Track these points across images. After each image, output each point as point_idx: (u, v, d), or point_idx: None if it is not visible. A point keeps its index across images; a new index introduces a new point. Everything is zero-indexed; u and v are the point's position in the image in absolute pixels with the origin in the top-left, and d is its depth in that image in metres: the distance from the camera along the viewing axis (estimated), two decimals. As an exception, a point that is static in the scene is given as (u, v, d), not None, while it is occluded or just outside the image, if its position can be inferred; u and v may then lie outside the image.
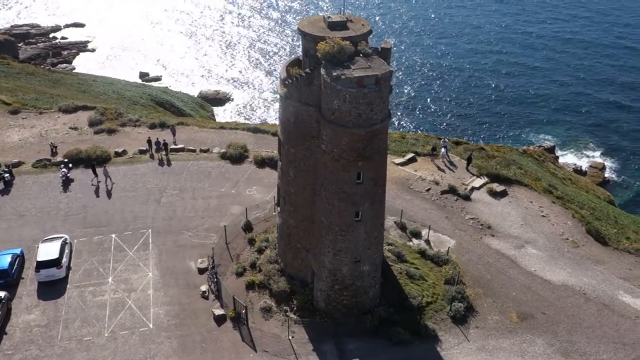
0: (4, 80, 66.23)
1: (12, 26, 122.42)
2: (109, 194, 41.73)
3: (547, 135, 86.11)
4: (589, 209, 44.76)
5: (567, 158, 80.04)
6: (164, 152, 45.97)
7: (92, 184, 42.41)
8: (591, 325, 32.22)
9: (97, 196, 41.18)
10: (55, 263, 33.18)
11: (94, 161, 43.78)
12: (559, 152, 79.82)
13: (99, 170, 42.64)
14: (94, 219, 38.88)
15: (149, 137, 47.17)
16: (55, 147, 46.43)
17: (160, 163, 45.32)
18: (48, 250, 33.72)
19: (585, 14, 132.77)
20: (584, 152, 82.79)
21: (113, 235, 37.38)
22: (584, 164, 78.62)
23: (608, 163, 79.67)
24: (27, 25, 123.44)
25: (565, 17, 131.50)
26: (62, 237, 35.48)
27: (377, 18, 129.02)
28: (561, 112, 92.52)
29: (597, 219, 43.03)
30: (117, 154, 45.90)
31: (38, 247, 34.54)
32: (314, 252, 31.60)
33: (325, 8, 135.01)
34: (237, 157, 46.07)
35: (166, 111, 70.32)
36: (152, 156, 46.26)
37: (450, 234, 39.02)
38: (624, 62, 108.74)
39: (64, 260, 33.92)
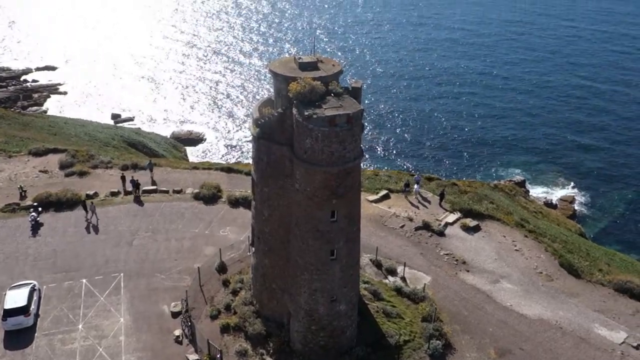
0: (-28, 124, 65.22)
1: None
2: (96, 229, 41.59)
3: (517, 169, 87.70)
4: (561, 242, 45.33)
5: (538, 192, 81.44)
6: (136, 192, 45.50)
7: (86, 220, 42.33)
8: (569, 359, 32.24)
9: (68, 240, 40.32)
10: (23, 311, 32.13)
11: (84, 199, 43.87)
12: (529, 186, 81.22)
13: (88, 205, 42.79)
14: (64, 263, 37.96)
15: (123, 174, 46.90)
16: (25, 190, 45.56)
17: (133, 204, 44.72)
18: (15, 298, 32.69)
19: (551, 57, 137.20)
20: (554, 185, 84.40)
21: (84, 280, 36.48)
22: (554, 197, 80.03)
23: (578, 196, 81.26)
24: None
25: (533, 58, 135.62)
26: (30, 284, 34.48)
27: (347, 58, 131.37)
28: (531, 148, 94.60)
29: (570, 251, 43.55)
30: (88, 197, 45.17)
31: (5, 294, 33.47)
32: (289, 293, 31.24)
33: (295, 49, 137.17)
34: (210, 197, 45.78)
35: (139, 152, 69.83)
36: (126, 193, 45.77)
37: (425, 270, 39.03)
38: (589, 103, 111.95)
39: (32, 307, 32.89)
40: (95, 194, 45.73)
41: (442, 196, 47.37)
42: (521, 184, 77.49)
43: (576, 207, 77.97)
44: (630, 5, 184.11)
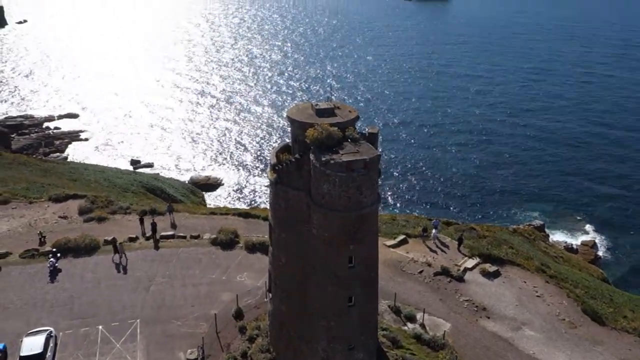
0: (-5, 171, 66.52)
1: (6, 117, 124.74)
2: (125, 269, 42.09)
3: (536, 213, 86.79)
4: (584, 287, 44.35)
5: (558, 236, 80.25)
6: (154, 235, 45.84)
7: (113, 261, 42.87)
8: (595, 410, 31.12)
9: (85, 286, 40.36)
10: (39, 358, 31.95)
11: (114, 240, 44.52)
12: (548, 231, 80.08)
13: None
14: (81, 309, 37.88)
15: (142, 217, 47.32)
16: (44, 236, 45.96)
17: (151, 250, 44.83)
18: (32, 345, 32.57)
19: (567, 103, 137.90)
20: (574, 229, 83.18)
21: (100, 327, 36.29)
22: (574, 241, 78.75)
23: (599, 240, 79.88)
24: (21, 116, 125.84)
25: (549, 105, 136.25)
26: (47, 330, 34.39)
27: (362, 105, 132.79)
28: (549, 193, 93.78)
29: (593, 297, 42.55)
30: (107, 242, 45.41)
31: (22, 341, 33.37)
32: (307, 340, 30.75)
33: (308, 96, 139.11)
34: (227, 242, 45.74)
35: (157, 198, 70.40)
36: (145, 236, 46.04)
37: (445, 317, 38.28)
38: (607, 149, 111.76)
39: (48, 354, 32.69)
40: (114, 240, 45.97)
41: (460, 241, 46.86)
42: (540, 228, 76.46)
43: (598, 252, 76.56)
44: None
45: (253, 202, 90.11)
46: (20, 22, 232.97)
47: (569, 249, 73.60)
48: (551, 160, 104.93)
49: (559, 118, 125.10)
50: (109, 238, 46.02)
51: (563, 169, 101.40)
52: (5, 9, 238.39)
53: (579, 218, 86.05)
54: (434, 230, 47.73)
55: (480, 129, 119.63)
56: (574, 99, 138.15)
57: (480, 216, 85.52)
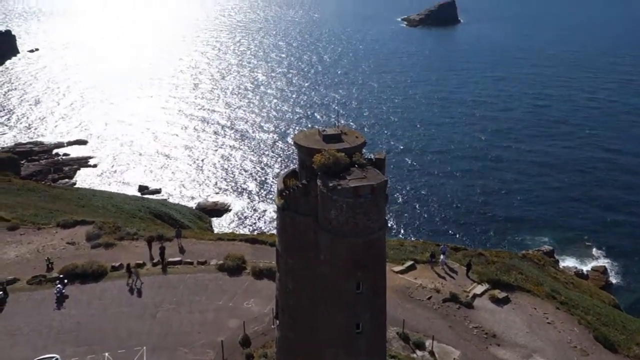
0: (4, 197, 66.92)
1: (16, 144, 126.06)
2: (139, 292, 42.20)
3: (545, 238, 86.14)
4: (595, 314, 43.74)
5: (568, 262, 79.47)
6: (162, 260, 45.83)
7: (127, 285, 43.10)
8: None
9: (92, 312, 40.22)
10: (44, 385, 31.76)
11: (128, 265, 44.62)
12: (558, 256, 79.31)
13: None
14: (87, 336, 37.67)
15: (150, 241, 47.58)
16: (52, 262, 46.00)
17: (158, 276, 44.72)
18: (38, 372, 32.41)
19: (574, 130, 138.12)
20: (584, 255, 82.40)
21: (106, 354, 36.03)
22: (584, 267, 77.93)
23: (609, 266, 79.02)
24: (30, 143, 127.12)
25: (556, 131, 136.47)
26: (53, 357, 34.20)
27: (369, 130, 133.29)
28: (558, 218, 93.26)
29: (604, 324, 41.93)
30: (114, 268, 45.36)
31: (27, 368, 33.21)
32: (314, 367, 30.37)
33: (318, 121, 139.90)
34: (234, 268, 45.58)
35: (165, 224, 70.50)
36: (152, 262, 46.11)
37: (454, 344, 37.76)
38: (615, 175, 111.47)
39: (54, 382, 32.49)
40: (121, 266, 45.91)
41: (469, 267, 46.49)
42: (550, 253, 75.75)
43: (609, 278, 75.64)
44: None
45: (260, 228, 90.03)
46: (31, 51, 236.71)
47: (579, 274, 72.83)
48: (559, 185, 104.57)
49: (565, 144, 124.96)
50: (117, 264, 46.01)
51: (571, 194, 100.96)
52: (17, 38, 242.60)
53: (588, 244, 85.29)
54: (442, 256, 47.40)
55: (486, 154, 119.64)
56: (580, 124, 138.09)
57: (488, 242, 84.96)
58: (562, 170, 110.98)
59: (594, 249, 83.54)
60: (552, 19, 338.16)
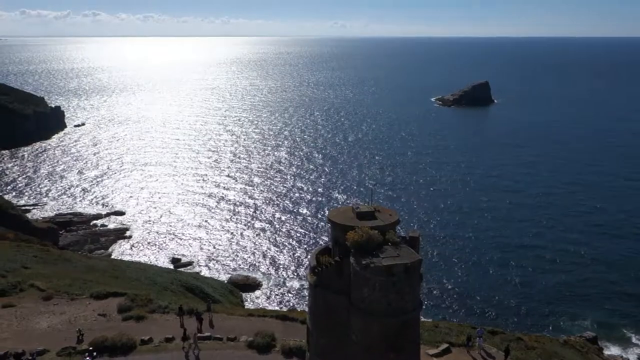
0: (41, 267, 68.03)
1: (56, 214, 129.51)
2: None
3: (587, 322, 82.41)
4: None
5: (612, 350, 75.45)
6: (191, 340, 45.26)
7: (183, 349, 44.03)
8: None
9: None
10: None
11: (184, 330, 45.32)
12: (602, 343, 75.42)
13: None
14: (112, 412, 36.93)
15: (181, 315, 47.78)
16: (82, 334, 45.95)
17: (187, 353, 44.08)
18: None
19: (618, 207, 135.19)
20: (630, 343, 78.17)
21: None
22: (631, 355, 73.76)
23: (658, 355, 74.66)
24: (70, 213, 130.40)
25: (599, 209, 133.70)
26: None
27: (402, 208, 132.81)
28: (602, 301, 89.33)
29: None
30: (143, 342, 44.99)
31: None
32: None
33: (350, 197, 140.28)
34: (264, 346, 44.69)
35: (195, 297, 70.23)
36: (181, 326, 46.68)
37: None
38: None
39: None
40: (150, 340, 45.53)
41: (507, 352, 44.54)
42: (593, 340, 72.08)
43: (657, 368, 71.30)
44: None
45: (291, 304, 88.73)
46: (78, 125, 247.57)
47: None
48: (600, 266, 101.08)
49: (602, 227, 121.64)
50: (147, 337, 45.64)
51: (614, 276, 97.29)
52: (65, 113, 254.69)
53: (634, 330, 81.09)
54: (478, 339, 45.67)
55: (522, 235, 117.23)
56: (620, 210, 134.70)
57: (527, 325, 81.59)
58: (605, 249, 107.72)
59: (640, 336, 79.36)
60: (589, 99, 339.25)
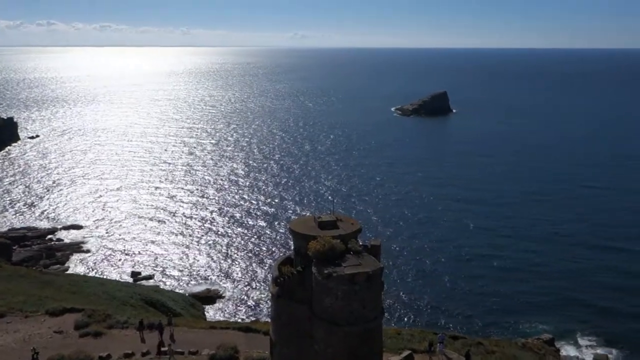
0: (-7, 284, 65.72)
1: (9, 229, 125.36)
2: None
3: (545, 326, 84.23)
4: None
5: (569, 350, 77.41)
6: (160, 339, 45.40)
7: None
8: None
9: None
10: None
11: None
12: (558, 344, 77.28)
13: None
14: None
15: (141, 329, 47.00)
16: (37, 352, 44.46)
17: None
18: None
19: (578, 216, 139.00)
20: (585, 343, 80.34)
21: None
22: (586, 357, 75.82)
23: (613, 354, 76.88)
24: (24, 228, 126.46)
25: (558, 217, 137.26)
26: None
27: (364, 217, 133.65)
28: (556, 301, 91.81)
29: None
30: (101, 359, 43.89)
31: None
32: None
33: (311, 208, 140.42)
34: (227, 359, 44.19)
35: (156, 311, 68.99)
36: (142, 340, 45.98)
37: None
38: (620, 251, 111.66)
39: None
40: (109, 356, 44.49)
41: (468, 357, 45.21)
42: (550, 342, 73.82)
43: (612, 368, 73.46)
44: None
45: (254, 316, 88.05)
46: (32, 137, 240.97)
47: (582, 365, 70.69)
48: (557, 271, 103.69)
49: (562, 230, 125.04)
50: (104, 354, 44.57)
51: (569, 280, 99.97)
52: (19, 125, 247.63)
53: (589, 331, 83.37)
54: (439, 345, 46.25)
55: (480, 241, 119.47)
56: (580, 213, 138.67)
57: (487, 330, 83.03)
58: (562, 255, 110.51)
59: (595, 337, 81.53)
60: (543, 109, 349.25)
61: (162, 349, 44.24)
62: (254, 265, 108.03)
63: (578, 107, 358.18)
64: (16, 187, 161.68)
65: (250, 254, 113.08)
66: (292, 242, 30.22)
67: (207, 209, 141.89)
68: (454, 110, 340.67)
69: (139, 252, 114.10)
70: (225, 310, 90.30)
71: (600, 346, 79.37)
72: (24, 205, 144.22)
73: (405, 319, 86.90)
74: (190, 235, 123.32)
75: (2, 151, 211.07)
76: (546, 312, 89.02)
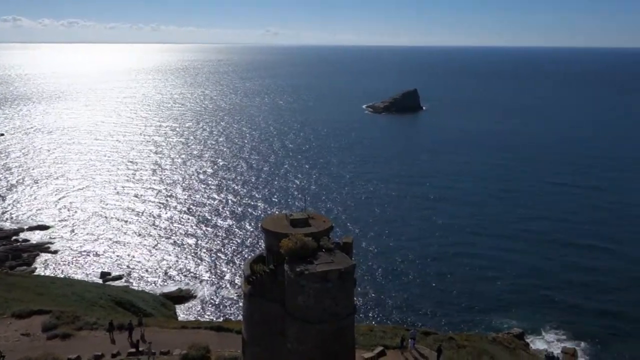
0: (-44, 286, 63.96)
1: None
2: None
3: (515, 321, 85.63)
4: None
5: (538, 344, 78.85)
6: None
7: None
8: None
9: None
10: None
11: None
12: (528, 338, 78.74)
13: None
14: None
15: (110, 330, 46.28)
16: (3, 356, 43.44)
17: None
18: None
19: (548, 212, 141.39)
20: (554, 337, 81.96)
21: None
22: (555, 350, 77.31)
23: (580, 347, 78.60)
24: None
25: (530, 213, 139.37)
26: None
27: (336, 214, 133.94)
28: (528, 299, 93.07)
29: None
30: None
31: None
32: None
33: (282, 206, 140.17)
34: (198, 358, 43.85)
35: (126, 311, 68.05)
36: (112, 342, 45.29)
37: None
38: (587, 247, 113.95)
39: None
40: (78, 358, 43.72)
41: (439, 352, 45.68)
42: (520, 336, 75.24)
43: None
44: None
45: (226, 314, 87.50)
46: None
47: (550, 357, 72.05)
48: (527, 267, 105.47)
49: (532, 226, 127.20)
50: (73, 357, 43.77)
51: (539, 275, 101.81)
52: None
53: (557, 324, 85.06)
54: (411, 341, 46.61)
55: (451, 238, 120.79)
56: (550, 209, 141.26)
57: (458, 325, 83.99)
58: (530, 252, 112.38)
59: (564, 331, 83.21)
60: (505, 104, 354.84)
61: (140, 349, 43.61)
62: (225, 264, 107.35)
63: (548, 105, 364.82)
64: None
65: (221, 253, 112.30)
66: (263, 241, 30.08)
67: (176, 208, 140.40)
68: (424, 108, 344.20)
69: (108, 252, 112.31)
70: (197, 310, 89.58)
71: (568, 340, 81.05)
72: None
73: (378, 316, 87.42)
74: (160, 235, 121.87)
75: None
76: (516, 308, 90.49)
